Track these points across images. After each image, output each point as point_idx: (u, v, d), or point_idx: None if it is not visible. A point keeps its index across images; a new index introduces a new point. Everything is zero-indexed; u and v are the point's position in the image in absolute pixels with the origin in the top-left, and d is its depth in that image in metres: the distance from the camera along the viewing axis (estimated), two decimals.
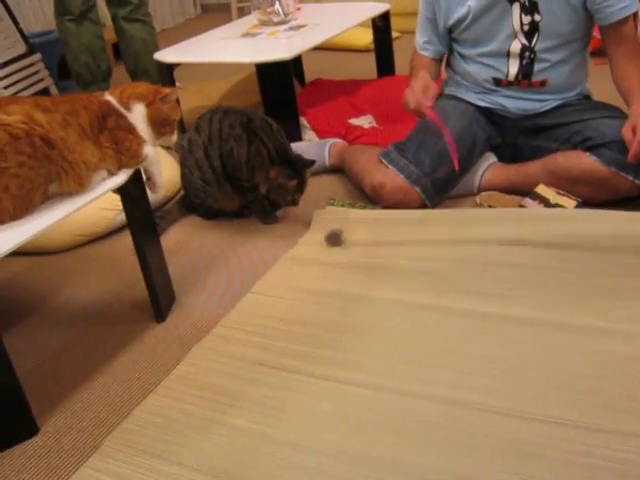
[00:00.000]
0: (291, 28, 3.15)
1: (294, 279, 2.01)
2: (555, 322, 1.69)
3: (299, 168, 2.25)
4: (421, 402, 1.51)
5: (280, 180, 2.23)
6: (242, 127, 2.24)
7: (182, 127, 2.87)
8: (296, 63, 3.56)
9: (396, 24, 3.72)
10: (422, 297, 1.85)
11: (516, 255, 1.95)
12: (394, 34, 3.77)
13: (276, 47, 2.89)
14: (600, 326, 1.65)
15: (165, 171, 1.88)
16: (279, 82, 2.76)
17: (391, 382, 1.57)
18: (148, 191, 1.83)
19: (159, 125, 1.75)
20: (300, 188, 2.26)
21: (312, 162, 2.30)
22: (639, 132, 1.94)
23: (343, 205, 2.36)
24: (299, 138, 2.79)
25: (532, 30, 2.17)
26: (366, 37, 3.94)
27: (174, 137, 1.81)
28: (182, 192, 2.54)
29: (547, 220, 2.05)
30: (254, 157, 2.23)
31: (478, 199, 2.28)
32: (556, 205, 2.11)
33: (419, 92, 2.16)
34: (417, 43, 2.44)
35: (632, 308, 1.69)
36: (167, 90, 1.77)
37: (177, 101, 1.84)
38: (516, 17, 2.17)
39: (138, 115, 1.71)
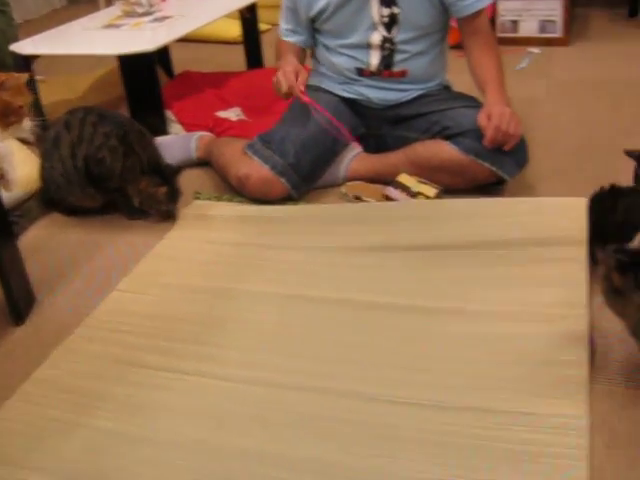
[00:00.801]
0: (156, 19, 3.08)
1: (160, 275, 1.98)
2: (411, 307, 1.74)
3: (169, 176, 2.23)
4: (287, 392, 1.52)
5: (150, 190, 2.20)
6: (119, 139, 2.19)
7: (43, 121, 2.76)
8: (163, 55, 3.48)
9: (264, 16, 3.72)
10: (286, 289, 1.86)
11: (378, 252, 1.98)
12: (263, 26, 3.77)
13: (139, 39, 2.82)
14: (455, 308, 1.73)
15: (23, 166, 1.80)
16: (143, 75, 2.70)
17: (257, 374, 1.58)
18: (2, 189, 1.75)
19: (1, 115, 1.64)
20: (173, 197, 2.23)
21: (179, 169, 2.32)
22: (494, 118, 2.02)
23: (210, 199, 2.34)
24: (165, 132, 2.74)
25: (391, 22, 2.22)
26: (235, 29, 3.90)
27: (25, 126, 1.71)
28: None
29: (411, 218, 2.11)
30: (129, 171, 2.19)
31: (343, 189, 2.31)
32: (417, 193, 2.17)
33: (291, 74, 2.17)
34: (281, 29, 2.44)
35: (486, 291, 1.77)
36: (2, 76, 1.65)
37: (29, 87, 1.74)
38: (375, 9, 2.21)
39: None
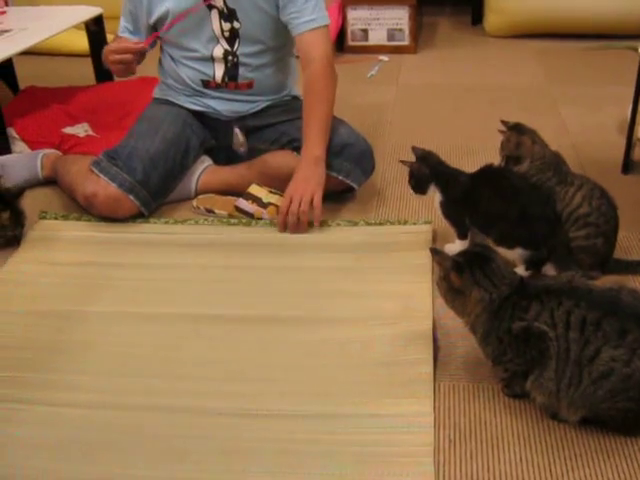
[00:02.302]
0: None
1: (3, 302, 1.88)
2: (264, 318, 1.76)
3: (10, 200, 2.13)
4: (137, 414, 1.49)
5: None
6: None
7: None
8: (6, 70, 3.34)
9: (113, 27, 3.62)
10: (137, 308, 1.82)
11: (231, 269, 1.99)
12: (110, 37, 3.67)
13: None
14: (303, 317, 1.76)
15: None
16: None
17: (106, 397, 1.54)
18: None
19: None
20: (18, 221, 2.14)
21: (21, 191, 2.22)
22: (293, 203, 2.08)
23: (56, 218, 2.26)
24: (7, 150, 2.62)
25: (233, 36, 2.22)
26: (82, 41, 3.79)
27: None
28: None
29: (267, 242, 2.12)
30: None
31: (195, 202, 2.29)
32: (268, 204, 2.18)
33: (123, 40, 2.15)
34: (120, 26, 2.38)
35: (336, 301, 1.82)
36: None
37: None
38: (216, 23, 2.20)
39: None
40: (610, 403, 1.38)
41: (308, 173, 2.07)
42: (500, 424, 1.48)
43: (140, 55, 2.21)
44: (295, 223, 2.05)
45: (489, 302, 1.47)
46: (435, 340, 1.65)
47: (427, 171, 1.96)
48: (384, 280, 1.88)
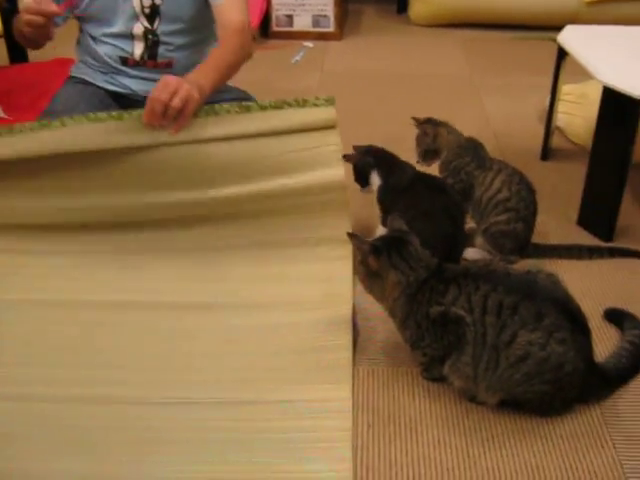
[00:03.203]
0: None
1: None
2: (177, 305, 1.70)
3: None
4: (42, 405, 1.42)
5: None
6: None
7: None
8: None
9: None
10: (43, 296, 1.74)
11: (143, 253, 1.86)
12: None
13: None
14: (222, 303, 1.71)
15: None
16: None
17: (8, 389, 1.47)
18: None
19: None
20: None
21: None
22: (156, 88, 1.82)
23: None
24: None
25: (153, 13, 2.15)
26: None
27: None
28: None
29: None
30: None
31: None
32: None
33: (44, 2, 2.02)
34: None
35: (255, 286, 1.76)
36: None
37: None
38: (136, 0, 2.13)
39: None
40: (527, 386, 1.39)
41: (173, 78, 1.84)
42: (419, 407, 1.47)
43: (52, 23, 2.08)
44: (162, 113, 1.78)
45: (406, 285, 1.46)
46: (355, 325, 1.63)
47: (370, 159, 1.95)
48: (303, 267, 1.80)
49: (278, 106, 1.79)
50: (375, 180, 1.95)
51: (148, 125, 1.73)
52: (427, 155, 2.05)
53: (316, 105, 1.78)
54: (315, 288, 1.74)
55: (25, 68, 3.16)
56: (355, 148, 2.00)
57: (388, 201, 1.92)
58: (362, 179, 1.97)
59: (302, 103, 1.78)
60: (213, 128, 1.72)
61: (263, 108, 1.80)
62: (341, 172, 1.73)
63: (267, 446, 1.33)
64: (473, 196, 1.94)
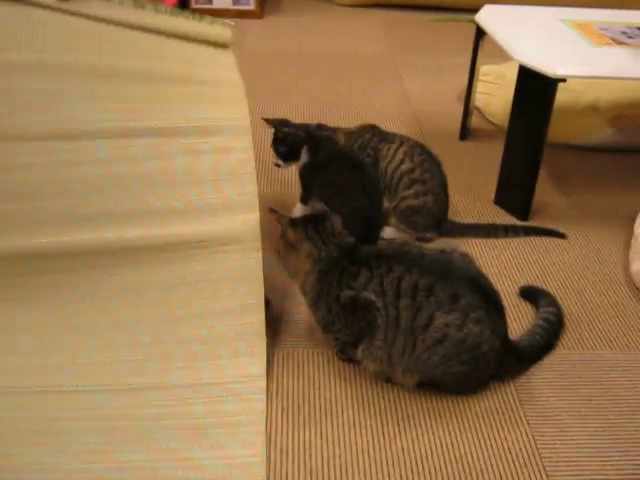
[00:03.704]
0: None
1: None
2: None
3: None
4: None
5: None
6: None
7: None
8: None
9: None
10: None
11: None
12: None
13: None
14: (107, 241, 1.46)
15: None
16: None
17: None
18: None
19: None
20: None
21: None
22: None
23: None
24: None
25: None
26: None
27: None
28: None
29: None
30: None
31: None
32: None
33: None
34: None
35: (143, 200, 1.49)
36: None
37: None
38: None
39: None
40: (444, 368, 1.38)
41: None
42: (334, 389, 1.45)
43: None
44: None
45: (317, 259, 1.43)
46: (268, 305, 1.58)
47: (303, 134, 1.87)
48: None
49: (174, 13, 1.61)
50: (303, 156, 1.88)
51: None
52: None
53: (211, 24, 1.61)
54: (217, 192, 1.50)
55: None
56: (267, 121, 1.92)
57: (310, 177, 1.88)
58: (291, 154, 1.88)
59: (199, 18, 1.62)
60: (98, 9, 1.53)
61: (158, 11, 1.60)
62: (235, 72, 1.58)
63: (177, 433, 1.28)
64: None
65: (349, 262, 1.42)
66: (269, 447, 1.30)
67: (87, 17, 1.51)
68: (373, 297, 1.36)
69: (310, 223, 1.46)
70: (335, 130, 2.03)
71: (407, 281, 1.36)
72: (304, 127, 1.93)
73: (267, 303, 1.56)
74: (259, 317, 1.45)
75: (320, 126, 2.04)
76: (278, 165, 1.89)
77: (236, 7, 3.91)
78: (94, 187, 1.45)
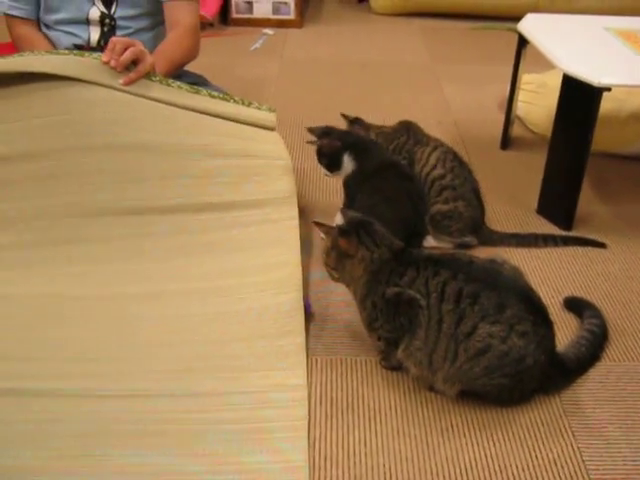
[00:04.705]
0: None
1: None
2: (127, 293, 1.63)
3: None
4: None
5: None
6: None
7: None
8: None
9: None
10: None
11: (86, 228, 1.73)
12: None
13: None
14: (174, 289, 1.63)
15: None
16: None
17: None
18: None
19: None
20: None
21: None
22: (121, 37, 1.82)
23: None
24: None
25: None
26: None
27: None
28: None
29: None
30: None
31: None
32: None
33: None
34: (1, 2, 2.16)
35: (203, 265, 1.68)
36: None
37: None
38: None
39: None
40: (486, 379, 1.37)
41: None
42: (377, 397, 1.45)
43: None
44: (120, 52, 1.72)
45: (370, 261, 1.44)
46: (307, 312, 1.59)
47: (339, 143, 1.87)
48: (243, 236, 1.70)
49: (226, 98, 1.81)
50: (346, 165, 1.88)
51: (105, 63, 1.69)
52: None
53: (258, 109, 1.82)
54: (262, 256, 1.67)
55: None
56: (311, 130, 1.94)
57: (354, 186, 1.88)
58: (333, 164, 1.89)
59: (247, 104, 1.82)
60: (160, 93, 1.71)
61: (212, 96, 1.80)
62: (282, 145, 1.75)
63: (220, 438, 1.29)
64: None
65: (397, 263, 1.43)
66: (313, 454, 1.30)
67: (150, 99, 1.68)
68: (416, 294, 1.37)
69: (360, 228, 1.47)
70: (369, 127, 2.04)
71: (452, 286, 1.36)
72: (347, 134, 1.94)
73: (308, 311, 1.57)
74: (300, 339, 1.50)
75: (356, 120, 2.06)
76: (327, 175, 1.91)
77: (276, 16, 3.94)
78: (159, 257, 1.68)
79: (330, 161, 1.89)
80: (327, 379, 1.48)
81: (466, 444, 1.35)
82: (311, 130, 1.92)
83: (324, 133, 1.91)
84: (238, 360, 1.45)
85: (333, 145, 1.87)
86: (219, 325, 1.54)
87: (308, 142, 1.91)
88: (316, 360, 1.52)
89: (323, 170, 1.91)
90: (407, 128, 2.02)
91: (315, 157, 1.92)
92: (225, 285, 1.63)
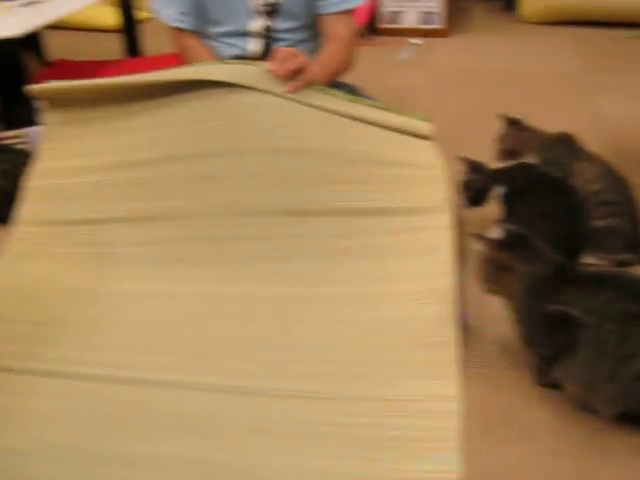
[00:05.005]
0: (24, 4, 2.92)
1: (17, 277, 1.82)
2: (284, 295, 1.68)
3: None
4: (156, 390, 1.45)
5: None
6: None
7: None
8: (34, 42, 3.32)
9: (144, 4, 3.60)
10: (152, 284, 1.75)
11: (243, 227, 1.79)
12: (145, 14, 3.65)
13: (5, 23, 2.66)
14: (320, 292, 1.67)
15: None
16: (9, 62, 2.55)
17: (122, 373, 1.50)
18: None
19: None
20: None
21: None
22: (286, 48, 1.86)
23: None
24: (31, 122, 2.60)
25: (271, 10, 2.16)
26: (111, 16, 3.78)
27: None
28: None
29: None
30: None
31: None
32: None
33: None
34: (167, 15, 2.28)
35: (353, 269, 1.70)
36: None
37: None
38: None
39: None
40: None
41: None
42: (532, 413, 1.44)
43: None
44: (284, 61, 1.78)
45: (529, 276, 1.43)
46: (461, 324, 1.59)
47: (483, 178, 1.91)
48: (397, 241, 1.71)
49: (382, 107, 1.84)
50: (498, 191, 1.90)
51: (271, 72, 1.76)
52: (505, 154, 2.04)
53: (414, 118, 1.82)
54: (413, 276, 1.66)
55: (141, 62, 3.26)
56: (463, 161, 1.94)
57: (514, 199, 1.88)
58: (476, 200, 1.93)
59: (403, 113, 1.83)
60: (320, 101, 1.77)
61: (369, 105, 1.84)
62: (437, 155, 1.74)
63: (379, 443, 1.32)
64: None
65: (558, 279, 1.41)
66: (467, 467, 1.31)
67: (312, 106, 1.75)
68: (578, 313, 1.34)
69: (519, 242, 1.47)
70: (528, 129, 2.02)
71: (616, 305, 1.32)
72: (497, 173, 1.94)
73: (462, 323, 1.58)
74: (455, 351, 1.49)
75: (516, 121, 2.04)
76: (465, 205, 1.91)
77: (423, 26, 3.96)
78: (310, 259, 1.72)
79: (474, 197, 1.92)
80: (481, 392, 1.48)
81: (624, 469, 1.31)
82: (463, 160, 1.93)
83: (474, 168, 1.92)
84: (394, 368, 1.47)
85: (481, 182, 1.89)
86: (374, 331, 1.56)
87: (460, 158, 1.92)
88: (470, 372, 1.52)
89: (463, 200, 1.92)
90: (565, 141, 1.99)
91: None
92: (377, 291, 1.65)
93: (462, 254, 1.69)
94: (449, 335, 1.52)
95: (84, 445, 1.34)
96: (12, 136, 2.49)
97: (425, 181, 1.76)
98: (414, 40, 3.86)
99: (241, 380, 1.47)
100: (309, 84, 1.81)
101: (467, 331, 1.62)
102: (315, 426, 1.35)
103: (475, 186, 1.91)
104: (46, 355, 1.56)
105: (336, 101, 1.80)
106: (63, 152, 1.94)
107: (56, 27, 2.77)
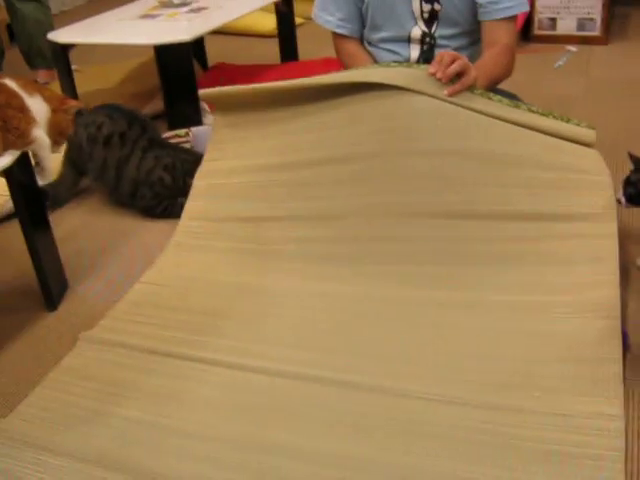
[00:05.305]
0: (192, 10, 3.08)
1: (183, 267, 1.94)
2: (442, 298, 1.70)
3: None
4: (314, 386, 1.50)
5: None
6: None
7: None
8: (198, 46, 3.49)
9: (300, 10, 3.70)
10: (312, 283, 1.82)
11: (402, 228, 1.83)
12: (298, 20, 3.75)
13: (175, 29, 2.82)
14: (486, 299, 1.68)
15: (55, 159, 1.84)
16: (178, 65, 2.70)
17: (283, 367, 1.56)
18: (38, 177, 1.78)
19: (57, 133, 1.76)
20: None
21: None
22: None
23: None
24: (199, 122, 2.74)
25: (431, 18, 2.18)
26: (270, 22, 3.91)
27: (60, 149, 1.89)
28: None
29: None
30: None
31: None
32: None
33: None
34: (327, 21, 2.33)
35: (508, 274, 1.70)
36: (73, 102, 1.82)
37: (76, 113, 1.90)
38: (416, 4, 2.17)
39: (39, 110, 1.70)
40: None
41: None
42: None
43: None
44: (447, 65, 1.81)
45: None
46: (624, 341, 1.55)
47: None
48: (559, 249, 1.70)
49: (545, 114, 1.84)
50: None
51: (432, 75, 1.80)
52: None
53: (578, 125, 1.84)
54: (575, 273, 1.66)
55: (295, 66, 3.35)
56: (633, 158, 1.86)
57: None
58: (637, 198, 1.80)
59: (566, 119, 1.84)
60: (481, 105, 1.78)
61: (531, 111, 1.84)
62: (602, 162, 1.74)
63: (533, 456, 1.30)
64: None
65: None
66: None
67: (472, 110, 1.78)
68: None
69: None
70: None
71: None
72: None
73: (625, 340, 1.53)
74: (618, 368, 1.46)
75: None
76: (619, 201, 1.82)
77: (580, 33, 3.84)
78: (469, 263, 1.74)
79: (634, 195, 1.81)
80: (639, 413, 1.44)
81: None
82: (633, 157, 1.85)
83: None
84: (554, 381, 1.45)
85: None
86: (534, 343, 1.55)
87: (630, 154, 1.83)
88: (632, 392, 1.48)
89: (622, 199, 1.83)
90: None
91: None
92: (537, 301, 1.64)
93: (623, 265, 1.64)
94: (614, 352, 1.49)
95: (241, 432, 1.41)
96: (176, 135, 2.62)
97: (591, 187, 1.74)
98: (570, 47, 3.76)
99: (395, 382, 1.49)
100: (469, 88, 1.82)
101: (629, 349, 1.57)
102: (472, 433, 1.36)
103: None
104: (217, 345, 1.65)
105: (497, 106, 1.82)
106: (229, 153, 2.05)
107: (216, 32, 2.90)
